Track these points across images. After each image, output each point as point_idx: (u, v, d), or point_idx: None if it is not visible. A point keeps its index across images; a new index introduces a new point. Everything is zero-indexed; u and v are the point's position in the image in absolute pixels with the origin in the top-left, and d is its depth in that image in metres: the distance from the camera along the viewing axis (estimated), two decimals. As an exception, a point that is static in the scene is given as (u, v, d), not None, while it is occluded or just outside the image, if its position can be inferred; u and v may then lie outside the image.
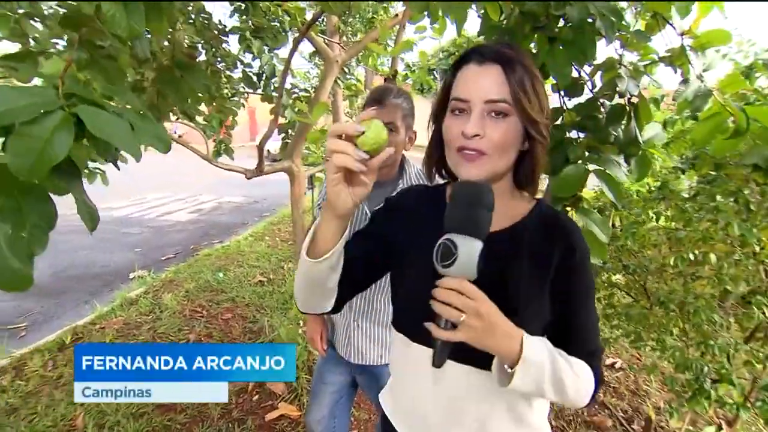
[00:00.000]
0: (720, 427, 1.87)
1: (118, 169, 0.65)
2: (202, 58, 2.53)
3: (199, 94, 2.38)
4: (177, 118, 2.54)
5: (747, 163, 1.02)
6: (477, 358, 0.66)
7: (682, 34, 0.91)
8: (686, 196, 1.50)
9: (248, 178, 2.19)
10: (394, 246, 0.79)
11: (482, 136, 0.64)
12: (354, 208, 0.63)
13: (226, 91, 2.94)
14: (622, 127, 0.96)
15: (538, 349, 0.62)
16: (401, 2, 2.16)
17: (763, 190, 1.39)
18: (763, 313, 1.37)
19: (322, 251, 0.65)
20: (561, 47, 0.98)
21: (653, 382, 2.48)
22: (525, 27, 1.02)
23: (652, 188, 1.95)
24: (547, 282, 0.69)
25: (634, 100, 0.93)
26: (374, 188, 1.28)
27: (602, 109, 0.99)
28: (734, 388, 1.50)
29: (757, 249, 1.33)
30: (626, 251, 1.76)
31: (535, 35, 1.03)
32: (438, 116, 0.72)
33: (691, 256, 1.33)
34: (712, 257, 1.31)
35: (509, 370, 0.62)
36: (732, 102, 0.91)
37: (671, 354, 1.50)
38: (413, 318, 0.74)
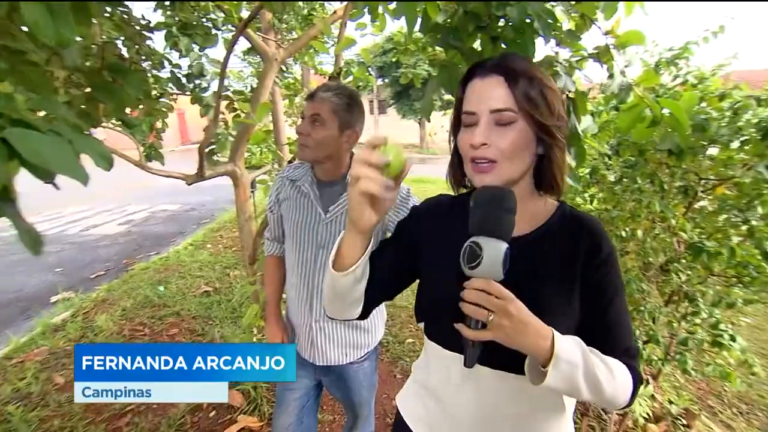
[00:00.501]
0: (647, 382, 2.12)
1: (57, 189, 0.58)
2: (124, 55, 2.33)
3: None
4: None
5: (661, 149, 1.15)
6: (510, 362, 0.67)
7: (606, 34, 1.01)
8: (612, 180, 1.68)
9: (189, 184, 2.06)
10: (420, 254, 0.81)
11: (489, 145, 0.66)
12: (378, 223, 0.67)
13: (154, 92, 2.72)
14: (563, 121, 1.04)
15: (570, 346, 0.62)
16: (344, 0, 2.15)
17: (673, 172, 1.59)
18: (679, 278, 1.57)
19: (347, 264, 0.69)
20: (503, 46, 1.04)
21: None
22: (469, 26, 1.06)
23: (582, 174, 2.14)
24: (574, 283, 0.70)
25: (572, 95, 1.02)
26: (324, 188, 1.28)
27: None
28: (658, 347, 1.71)
29: (673, 223, 1.52)
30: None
31: (479, 35, 1.08)
32: (455, 130, 0.75)
33: (623, 234, 1.49)
34: (639, 233, 1.48)
35: (542, 369, 0.62)
36: (648, 95, 1.03)
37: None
38: (441, 325, 0.76)
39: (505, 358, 0.67)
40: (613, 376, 0.65)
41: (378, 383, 1.50)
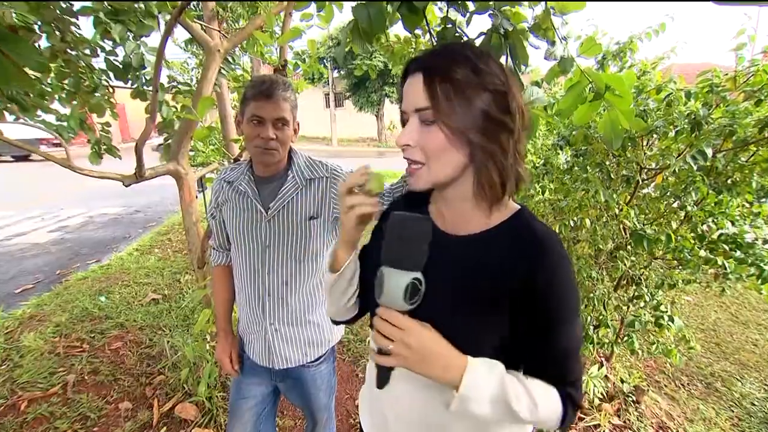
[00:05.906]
0: (601, 364, 2.22)
1: None
2: (45, 43, 2.08)
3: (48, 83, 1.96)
4: (16, 118, 2.06)
5: (608, 147, 1.16)
6: None
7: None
8: (564, 168, 1.71)
9: (126, 185, 1.87)
10: None
11: (414, 146, 0.63)
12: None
13: (87, 83, 2.46)
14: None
15: (481, 381, 0.60)
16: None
17: (619, 161, 1.65)
18: (625, 264, 1.64)
19: (338, 268, 0.74)
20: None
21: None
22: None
23: (537, 165, 2.19)
24: (505, 296, 0.63)
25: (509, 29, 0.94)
26: (262, 184, 1.24)
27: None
28: (609, 329, 1.79)
29: (617, 211, 1.58)
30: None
31: None
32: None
33: (572, 223, 1.53)
34: (587, 222, 1.53)
35: (455, 393, 0.61)
36: (591, 68, 1.01)
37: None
38: None
39: None
40: (536, 405, 0.62)
41: (339, 383, 1.45)
